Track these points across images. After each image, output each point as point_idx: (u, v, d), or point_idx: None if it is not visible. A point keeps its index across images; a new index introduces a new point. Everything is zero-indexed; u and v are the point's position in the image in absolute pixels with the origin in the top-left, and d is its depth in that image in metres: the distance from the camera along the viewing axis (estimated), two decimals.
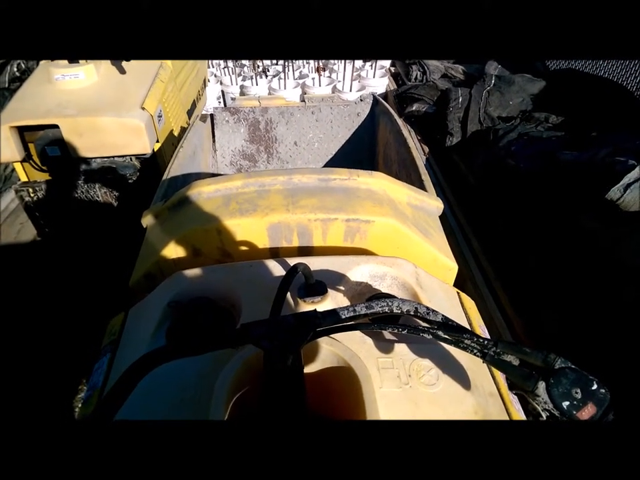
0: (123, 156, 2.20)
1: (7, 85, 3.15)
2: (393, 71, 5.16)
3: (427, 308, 0.65)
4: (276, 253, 1.16)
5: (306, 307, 0.81)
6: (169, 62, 2.56)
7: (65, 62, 2.22)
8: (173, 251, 1.13)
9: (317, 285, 0.83)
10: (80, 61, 2.21)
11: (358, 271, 0.94)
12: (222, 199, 1.18)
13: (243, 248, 1.13)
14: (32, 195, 2.21)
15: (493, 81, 3.84)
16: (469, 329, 0.91)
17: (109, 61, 2.31)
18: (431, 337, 0.62)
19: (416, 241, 1.15)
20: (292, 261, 0.95)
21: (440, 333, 0.61)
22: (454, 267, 1.22)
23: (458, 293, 1.06)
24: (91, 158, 2.17)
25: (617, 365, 1.75)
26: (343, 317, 0.64)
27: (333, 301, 0.85)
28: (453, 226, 2.96)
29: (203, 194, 1.21)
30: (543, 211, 2.54)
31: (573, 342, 2.01)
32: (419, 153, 3.76)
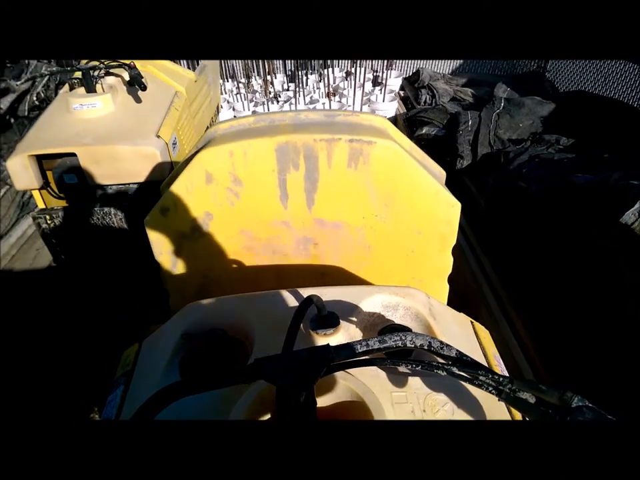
0: (138, 183, 2.24)
1: (26, 114, 3.25)
2: (402, 94, 5.21)
3: (441, 342, 0.64)
4: (284, 181, 1.12)
5: (318, 339, 0.81)
6: (183, 90, 2.62)
7: (83, 92, 2.29)
8: (187, 178, 1.11)
9: (329, 316, 0.83)
10: (97, 91, 2.28)
11: (370, 302, 0.94)
12: (236, 132, 1.16)
13: (252, 172, 1.11)
14: (49, 221, 2.25)
15: (502, 104, 3.86)
16: (484, 362, 0.90)
17: (125, 91, 2.37)
18: (445, 373, 0.61)
19: (418, 171, 1.11)
20: (305, 292, 0.96)
21: (454, 369, 0.61)
22: (457, 204, 1.16)
23: (472, 322, 1.05)
24: (107, 185, 2.21)
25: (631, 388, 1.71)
26: (356, 351, 0.63)
27: (346, 332, 0.85)
28: (464, 248, 2.95)
29: (219, 130, 1.18)
30: (556, 233, 2.52)
31: (588, 364, 1.97)
32: None
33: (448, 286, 1.27)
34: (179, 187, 1.12)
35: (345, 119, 1.19)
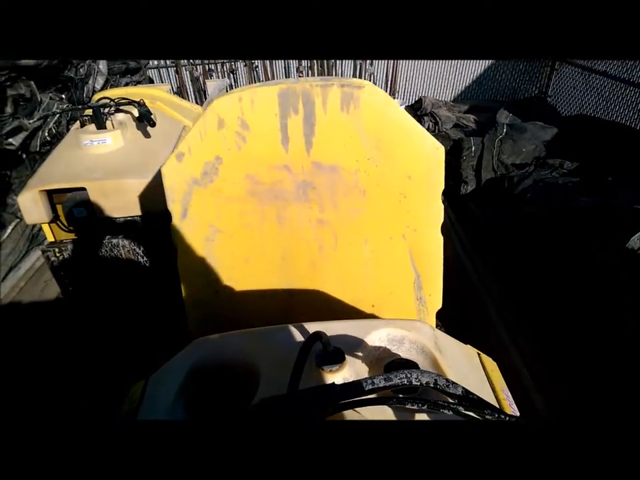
0: (146, 214, 2.27)
1: (38, 149, 3.33)
2: None
3: (447, 380, 0.64)
4: (285, 125, 1.20)
5: (324, 375, 0.81)
6: (191, 124, 2.68)
7: (94, 128, 2.35)
8: (202, 124, 1.19)
9: (334, 352, 0.83)
10: (107, 127, 2.34)
11: (376, 335, 0.94)
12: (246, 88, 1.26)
13: (258, 116, 1.20)
14: (58, 254, 2.28)
15: (504, 130, 3.91)
16: (492, 397, 0.90)
17: (134, 127, 2.43)
18: (451, 413, 0.61)
19: (404, 114, 1.19)
20: (311, 327, 0.96)
21: (460, 408, 0.60)
22: (441, 147, 1.23)
23: (479, 354, 1.04)
24: (116, 217, 2.25)
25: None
26: (362, 390, 0.63)
27: (351, 368, 0.85)
28: (471, 274, 2.94)
29: (231, 92, 1.25)
30: (562, 257, 2.51)
31: (597, 386, 1.94)
32: None
33: (442, 237, 1.29)
34: (194, 134, 1.21)
35: (339, 82, 1.25)
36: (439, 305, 1.29)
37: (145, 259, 2.33)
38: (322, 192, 1.25)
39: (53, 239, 2.36)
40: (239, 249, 1.28)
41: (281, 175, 1.24)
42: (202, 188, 1.23)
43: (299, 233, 1.27)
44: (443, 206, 1.29)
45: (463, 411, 0.60)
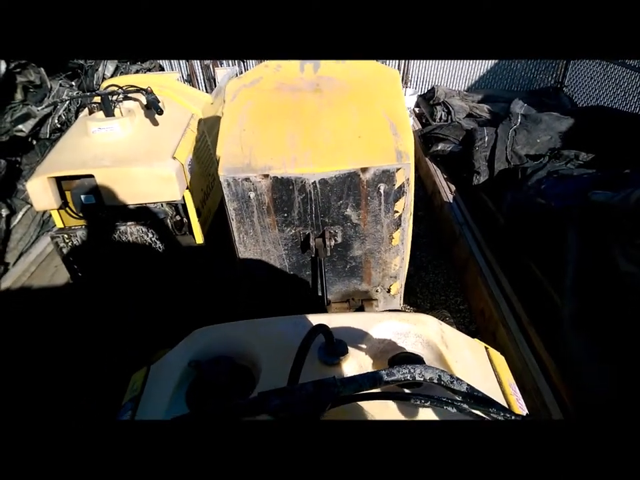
0: (154, 202, 2.27)
1: (48, 136, 3.34)
2: (417, 111, 5.22)
3: (451, 376, 0.62)
4: (302, 65, 2.02)
5: (326, 368, 0.79)
6: (199, 113, 2.67)
7: (102, 115, 2.34)
8: (256, 67, 2.01)
9: (337, 344, 0.81)
10: (115, 115, 2.33)
11: (380, 328, 0.92)
12: None
13: (288, 63, 1.98)
14: (67, 241, 2.29)
15: (519, 120, 3.83)
16: (499, 391, 0.87)
17: (142, 114, 2.42)
18: (454, 410, 0.59)
19: (372, 61, 1.93)
20: (313, 319, 0.94)
21: (465, 405, 0.58)
22: (394, 70, 2.00)
23: (486, 347, 1.02)
24: (124, 205, 2.25)
25: None
26: (363, 384, 0.62)
27: (355, 360, 0.83)
28: (482, 267, 2.90)
29: None
30: (577, 251, 2.46)
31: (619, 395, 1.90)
32: (444, 190, 3.73)
33: (405, 105, 1.89)
34: (251, 70, 1.98)
35: None
36: (412, 139, 1.72)
37: (153, 245, 2.33)
38: (323, 86, 1.94)
39: (62, 225, 2.37)
40: (265, 111, 1.84)
41: (298, 81, 1.96)
42: (248, 88, 1.91)
43: (305, 98, 1.89)
44: (403, 96, 1.97)
45: (468, 408, 0.58)
